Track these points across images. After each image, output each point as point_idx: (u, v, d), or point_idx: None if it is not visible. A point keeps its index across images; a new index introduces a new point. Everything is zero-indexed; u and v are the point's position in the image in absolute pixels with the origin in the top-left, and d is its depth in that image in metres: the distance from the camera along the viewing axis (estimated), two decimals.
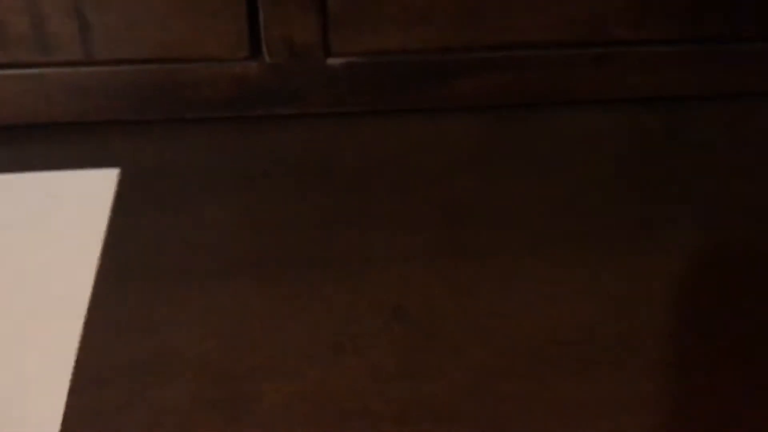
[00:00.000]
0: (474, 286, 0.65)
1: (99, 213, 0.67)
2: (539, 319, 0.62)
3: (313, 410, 0.56)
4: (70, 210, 0.67)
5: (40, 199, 0.68)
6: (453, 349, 0.60)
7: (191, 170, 0.71)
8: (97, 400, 0.55)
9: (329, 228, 0.68)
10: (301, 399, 0.56)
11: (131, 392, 0.56)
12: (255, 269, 0.65)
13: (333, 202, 0.70)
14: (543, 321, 0.62)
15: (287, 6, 0.70)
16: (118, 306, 0.61)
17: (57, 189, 0.69)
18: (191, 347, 0.59)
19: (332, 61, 0.73)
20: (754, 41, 0.77)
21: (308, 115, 0.76)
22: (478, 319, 0.62)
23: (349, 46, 0.73)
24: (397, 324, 0.61)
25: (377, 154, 0.74)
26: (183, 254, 0.65)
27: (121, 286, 0.63)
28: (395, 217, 0.69)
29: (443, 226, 0.69)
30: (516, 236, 0.69)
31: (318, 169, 0.73)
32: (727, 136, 0.78)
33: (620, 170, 0.75)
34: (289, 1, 0.70)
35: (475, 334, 0.61)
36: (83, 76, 0.71)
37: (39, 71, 0.70)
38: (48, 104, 0.71)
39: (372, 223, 0.68)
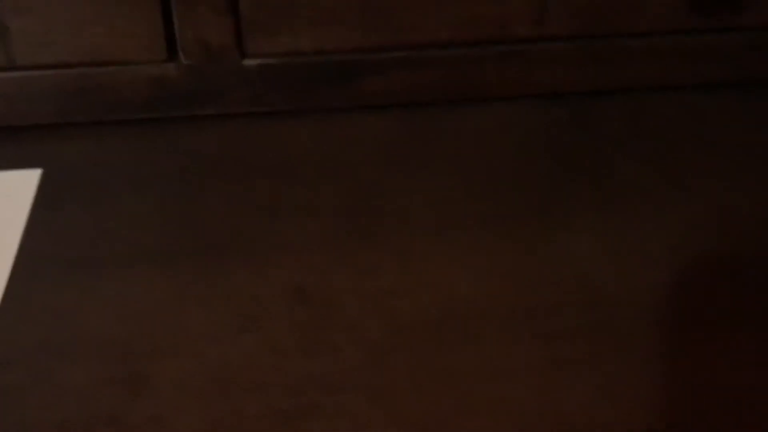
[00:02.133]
0: (373, 269, 0.68)
1: (19, 211, 0.70)
2: (434, 296, 0.64)
3: (210, 385, 0.59)
4: None
5: None
6: (348, 327, 0.63)
7: (112, 169, 0.75)
8: (4, 380, 0.59)
9: (240, 218, 0.71)
10: (199, 375, 0.59)
11: (36, 373, 0.59)
12: (164, 258, 0.68)
13: (246, 196, 0.73)
14: (435, 299, 0.64)
15: (200, 9, 0.73)
16: (31, 293, 0.64)
17: None
18: (96, 330, 0.62)
19: (248, 62, 0.77)
20: (651, 36, 0.81)
21: (226, 115, 0.79)
22: (375, 298, 0.65)
23: (264, 47, 0.76)
24: (298, 305, 0.64)
25: (291, 150, 0.78)
26: (97, 245, 0.69)
27: (36, 275, 0.66)
28: (304, 207, 0.73)
29: (349, 215, 0.72)
30: (417, 222, 0.72)
31: (233, 166, 0.76)
32: (627, 128, 0.81)
33: (523, 161, 0.78)
34: (202, 4, 0.73)
35: (370, 313, 0.64)
36: (5, 82, 0.74)
37: None
38: None
39: (281, 214, 0.71)
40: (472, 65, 0.79)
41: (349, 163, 0.77)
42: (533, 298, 0.65)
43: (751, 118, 0.81)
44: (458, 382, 0.60)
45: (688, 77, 0.82)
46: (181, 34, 0.74)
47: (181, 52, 0.74)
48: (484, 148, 0.78)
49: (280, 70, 0.77)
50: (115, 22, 0.72)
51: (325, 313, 0.64)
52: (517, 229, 0.71)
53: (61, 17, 0.71)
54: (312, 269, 0.67)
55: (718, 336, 0.62)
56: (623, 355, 0.61)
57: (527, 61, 0.79)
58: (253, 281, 0.66)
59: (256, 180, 0.75)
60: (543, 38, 0.80)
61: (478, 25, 0.78)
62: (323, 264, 0.68)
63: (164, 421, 0.57)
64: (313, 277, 0.67)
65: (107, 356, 0.60)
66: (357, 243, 0.70)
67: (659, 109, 0.83)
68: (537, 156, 0.79)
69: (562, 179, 0.75)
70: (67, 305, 0.64)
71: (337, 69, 0.78)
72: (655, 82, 0.82)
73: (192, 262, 0.67)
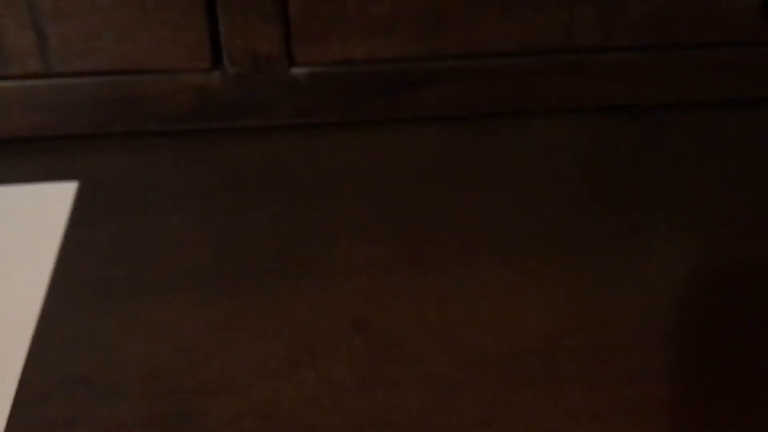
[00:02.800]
0: (435, 297, 0.64)
1: (55, 226, 0.67)
2: (500, 330, 0.61)
3: (263, 425, 0.54)
4: (26, 223, 0.67)
5: None
6: (412, 360, 0.59)
7: (151, 183, 0.71)
8: (41, 416, 0.54)
9: (290, 240, 0.67)
10: (251, 413, 0.55)
11: (76, 408, 0.55)
12: (210, 282, 0.64)
13: (295, 214, 0.69)
14: (504, 332, 0.61)
15: (248, 16, 0.69)
16: (68, 320, 0.60)
17: (14, 202, 0.68)
18: (140, 362, 0.58)
19: (296, 71, 0.73)
20: (723, 47, 0.77)
21: (272, 127, 0.75)
22: (438, 330, 0.61)
23: (314, 55, 0.72)
24: (357, 336, 0.60)
25: (342, 165, 0.73)
26: (137, 267, 0.65)
27: (73, 299, 0.62)
28: (358, 228, 0.68)
29: (406, 237, 0.68)
30: (480, 246, 0.68)
31: (281, 181, 0.72)
32: (699, 144, 0.77)
33: (590, 179, 0.74)
34: (250, 11, 0.69)
35: (434, 346, 0.60)
36: (42, 89, 0.70)
37: None
38: (6, 118, 0.71)
39: (334, 235, 0.67)
40: (535, 76, 0.75)
41: (406, 179, 0.72)
42: (609, 333, 0.61)
43: None
44: (531, 423, 0.55)
45: (762, 90, 0.77)
46: (227, 42, 0.70)
47: (227, 61, 0.70)
48: (547, 164, 0.74)
49: (330, 80, 0.73)
50: (158, 29, 0.69)
51: (385, 346, 0.60)
52: (587, 256, 0.66)
53: (102, 23, 0.67)
54: (370, 298, 0.63)
55: None
56: (716, 398, 0.57)
57: (593, 73, 0.75)
58: (308, 310, 0.62)
59: (306, 197, 0.70)
60: (610, 48, 0.75)
61: (542, 34, 0.73)
62: (382, 292, 0.64)
63: None
64: (371, 306, 0.62)
65: (151, 391, 0.56)
66: (418, 269, 0.66)
67: (733, 124, 0.78)
68: (604, 173, 0.74)
69: (632, 199, 0.71)
70: (107, 334, 0.59)
71: (391, 79, 0.74)
72: (728, 95, 0.78)
73: (240, 288, 0.63)
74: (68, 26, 0.67)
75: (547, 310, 0.62)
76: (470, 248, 0.67)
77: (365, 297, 0.63)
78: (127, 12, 0.67)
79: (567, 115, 0.77)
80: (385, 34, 0.72)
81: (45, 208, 0.68)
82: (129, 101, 0.71)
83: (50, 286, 0.62)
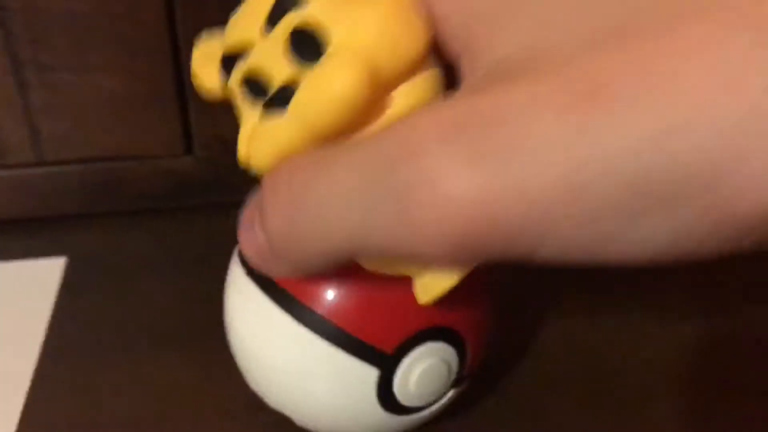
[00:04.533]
0: None
1: (45, 298, 0.75)
2: None
3: None
4: (18, 296, 0.75)
5: None
6: None
7: (132, 257, 0.80)
8: None
9: None
10: None
11: None
12: (183, 342, 0.72)
13: None
14: None
15: (215, 109, 0.78)
16: (58, 380, 0.68)
17: (7, 277, 0.77)
18: (122, 412, 0.66)
19: None
20: None
21: (239, 203, 0.84)
22: None
23: None
24: None
25: None
26: (119, 332, 0.73)
27: (62, 362, 0.70)
28: None
29: None
30: None
31: None
32: None
33: None
34: (216, 106, 0.77)
35: None
36: (33, 177, 0.79)
37: None
38: (2, 203, 0.80)
39: None
40: None
41: None
42: None
43: None
44: None
45: None
46: (197, 131, 0.78)
47: (197, 147, 0.79)
48: None
49: None
50: (137, 122, 0.77)
51: None
52: None
53: (90, 119, 0.76)
54: None
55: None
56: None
57: None
58: None
59: None
60: None
61: None
62: None
63: None
64: None
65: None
66: None
67: None
68: None
69: None
70: (92, 389, 0.67)
71: None
72: None
73: (208, 347, 0.70)
74: (59, 122, 0.76)
75: None
76: None
77: None
78: (110, 109, 0.76)
79: None
80: None
81: (36, 281, 0.76)
82: (111, 185, 0.79)
83: (42, 350, 0.70)
